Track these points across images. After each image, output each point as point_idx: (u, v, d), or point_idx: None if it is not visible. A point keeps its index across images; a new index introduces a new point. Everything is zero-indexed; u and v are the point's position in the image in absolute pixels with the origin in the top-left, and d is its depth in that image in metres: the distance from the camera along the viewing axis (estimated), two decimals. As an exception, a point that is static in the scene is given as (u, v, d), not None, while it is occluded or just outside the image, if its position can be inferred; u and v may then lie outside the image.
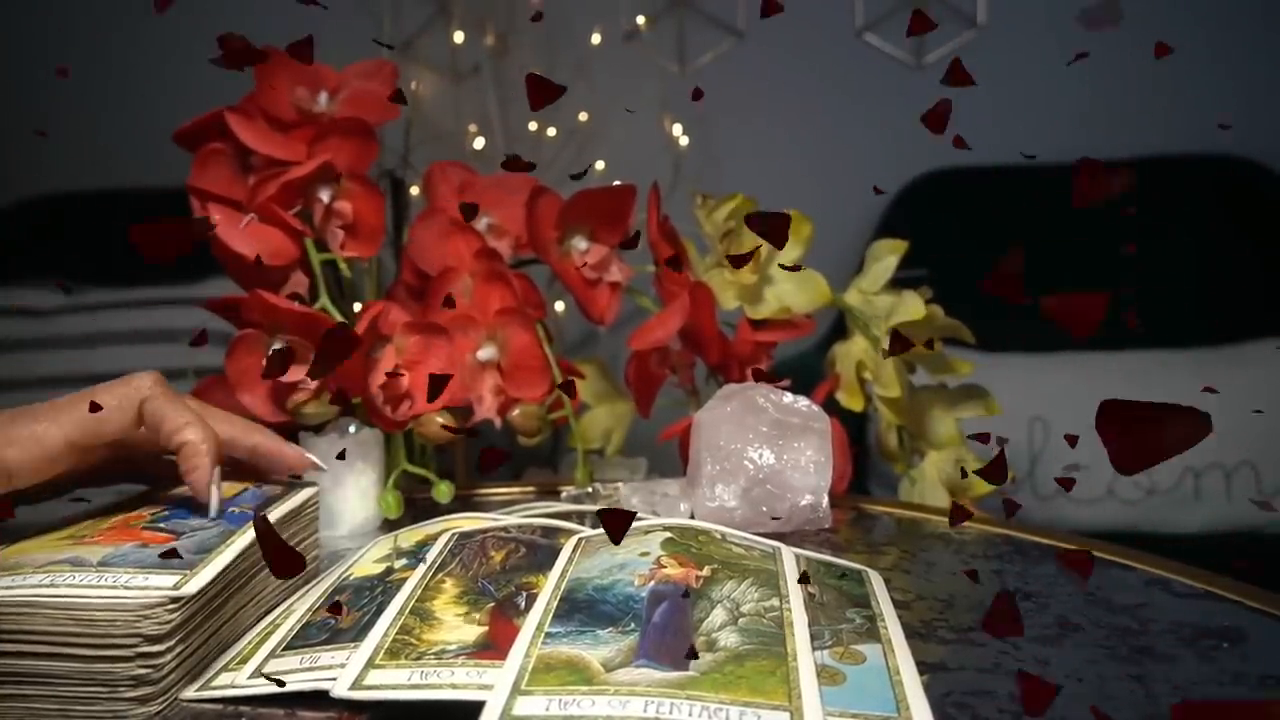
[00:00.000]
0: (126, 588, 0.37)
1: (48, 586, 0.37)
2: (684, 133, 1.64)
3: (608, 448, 0.81)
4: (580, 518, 0.61)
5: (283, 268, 0.65)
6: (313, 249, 0.65)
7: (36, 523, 0.44)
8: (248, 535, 0.43)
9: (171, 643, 0.37)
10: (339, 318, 0.63)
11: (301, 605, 0.45)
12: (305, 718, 0.37)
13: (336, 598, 0.44)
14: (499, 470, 0.57)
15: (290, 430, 0.65)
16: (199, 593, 0.38)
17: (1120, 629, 0.43)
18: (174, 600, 0.37)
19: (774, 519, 0.58)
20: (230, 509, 0.46)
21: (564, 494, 0.68)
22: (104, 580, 0.37)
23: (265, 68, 0.67)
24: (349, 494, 0.63)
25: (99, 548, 0.40)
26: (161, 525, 0.43)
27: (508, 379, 0.66)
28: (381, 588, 0.44)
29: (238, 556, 0.41)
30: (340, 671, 0.37)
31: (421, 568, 0.46)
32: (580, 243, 0.71)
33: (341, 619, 0.42)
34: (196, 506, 0.45)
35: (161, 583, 0.37)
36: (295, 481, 0.52)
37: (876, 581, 0.47)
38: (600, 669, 0.35)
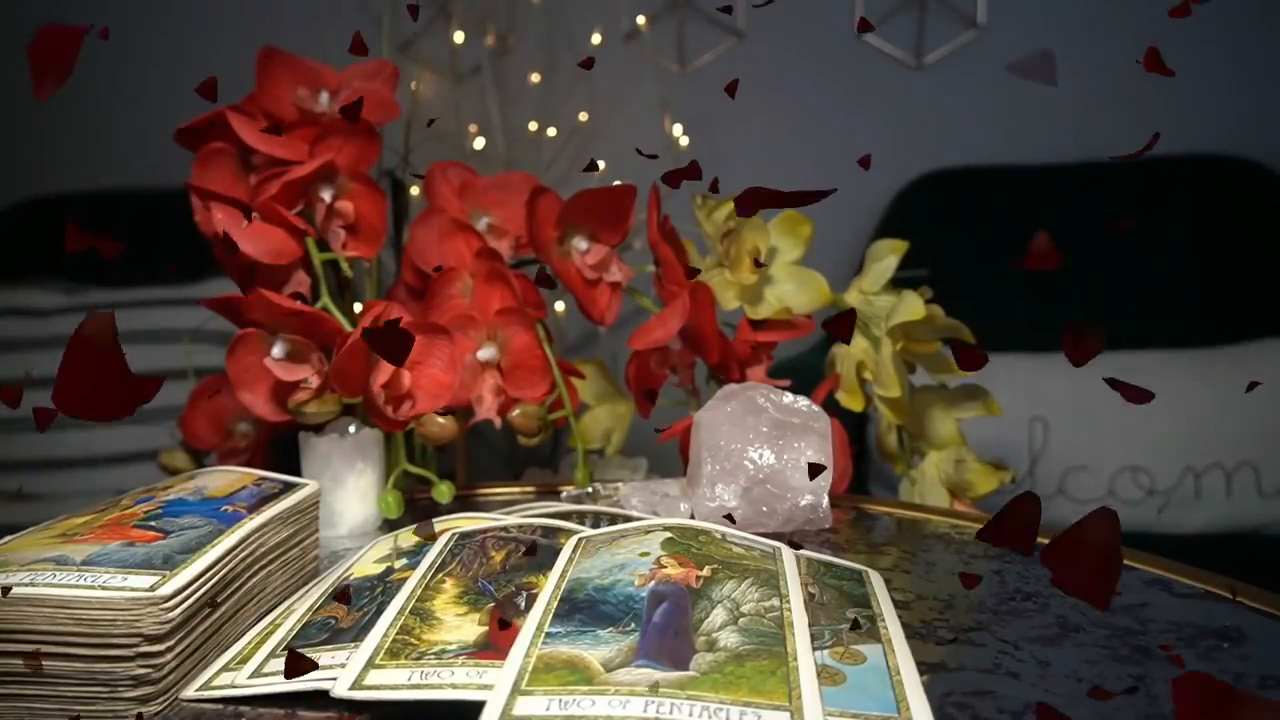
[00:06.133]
0: (104, 588, 0.36)
1: (28, 585, 0.37)
2: (684, 133, 1.64)
3: (608, 448, 0.81)
4: (580, 518, 0.61)
5: (284, 267, 0.65)
6: (314, 248, 0.65)
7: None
8: (236, 535, 0.42)
9: (171, 643, 0.37)
10: (340, 317, 0.63)
11: (301, 605, 0.45)
12: (305, 718, 0.37)
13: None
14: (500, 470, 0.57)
15: (291, 430, 0.65)
16: (176, 594, 0.37)
17: (1120, 629, 0.43)
18: (151, 603, 0.36)
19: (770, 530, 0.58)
20: (224, 507, 0.45)
21: (564, 494, 0.68)
22: (83, 579, 0.37)
23: (266, 67, 0.67)
24: (349, 494, 0.63)
25: (86, 546, 0.40)
26: (153, 524, 0.43)
27: (508, 379, 0.66)
28: (381, 588, 0.44)
29: (222, 556, 0.41)
30: (340, 671, 0.37)
31: (421, 567, 0.46)
32: (580, 243, 0.71)
33: (342, 619, 0.42)
34: (191, 505, 0.45)
35: (139, 583, 0.37)
36: (295, 480, 0.52)
37: (876, 581, 0.47)
38: (600, 669, 0.35)
